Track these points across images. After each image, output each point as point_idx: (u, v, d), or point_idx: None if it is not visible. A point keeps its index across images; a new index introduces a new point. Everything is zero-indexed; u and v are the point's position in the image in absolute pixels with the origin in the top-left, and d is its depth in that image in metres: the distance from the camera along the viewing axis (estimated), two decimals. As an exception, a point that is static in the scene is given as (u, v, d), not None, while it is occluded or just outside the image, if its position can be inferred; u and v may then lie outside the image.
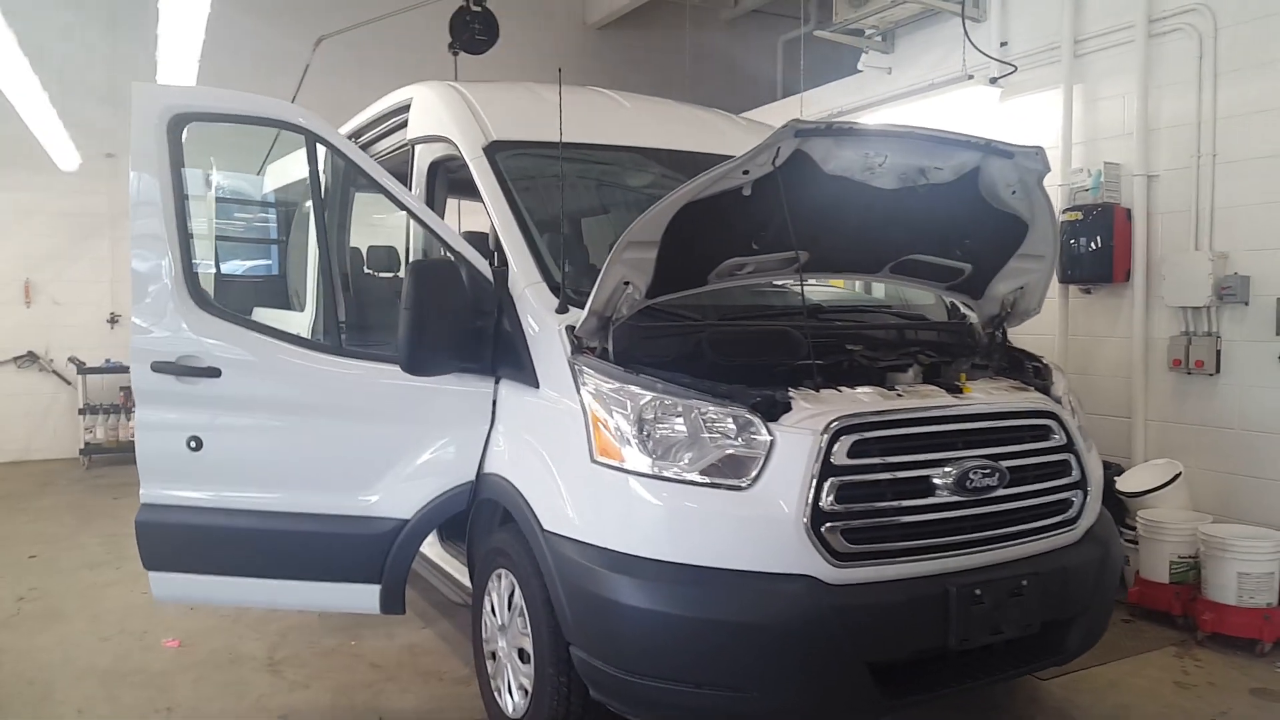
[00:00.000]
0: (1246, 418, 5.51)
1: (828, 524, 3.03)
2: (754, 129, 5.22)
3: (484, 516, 4.05)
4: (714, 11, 13.13)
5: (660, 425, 3.17)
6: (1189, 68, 5.73)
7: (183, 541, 4.04)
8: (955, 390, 3.52)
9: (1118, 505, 5.45)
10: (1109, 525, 3.88)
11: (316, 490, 3.96)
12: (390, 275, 5.11)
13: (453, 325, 3.61)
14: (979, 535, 3.30)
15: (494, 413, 3.79)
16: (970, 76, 6.92)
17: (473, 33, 8.11)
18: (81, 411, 10.42)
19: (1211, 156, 5.62)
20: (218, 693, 4.46)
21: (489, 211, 3.94)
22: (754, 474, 3.07)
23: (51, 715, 4.26)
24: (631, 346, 3.36)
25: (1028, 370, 3.96)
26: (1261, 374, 5.44)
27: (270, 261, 6.67)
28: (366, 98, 5.46)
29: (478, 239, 4.07)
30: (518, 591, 3.62)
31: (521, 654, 3.63)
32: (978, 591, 3.20)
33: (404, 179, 4.27)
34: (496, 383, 3.79)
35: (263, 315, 4.67)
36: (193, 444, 3.95)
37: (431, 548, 4.66)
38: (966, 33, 6.87)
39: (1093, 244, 6.04)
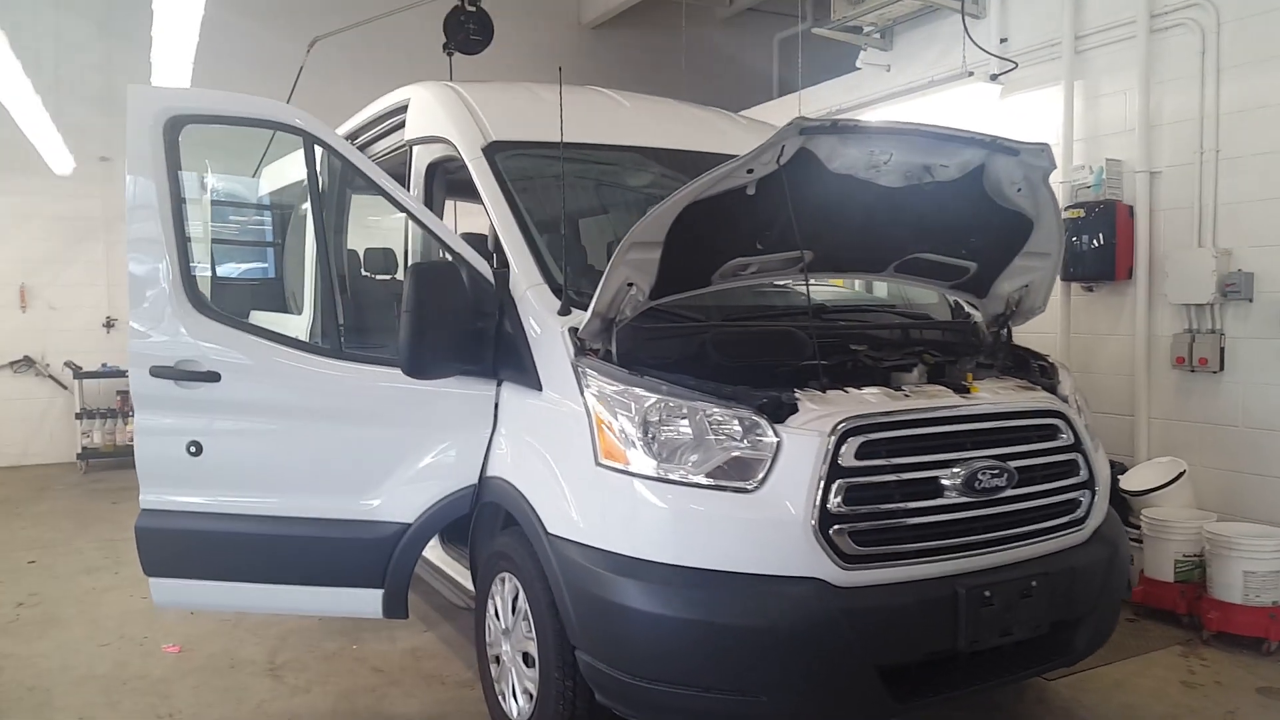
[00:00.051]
0: (1251, 415, 5.49)
1: (836, 526, 3.01)
2: (754, 128, 5.19)
3: (486, 520, 4.02)
4: (709, 10, 13.10)
5: (665, 427, 3.14)
6: (1191, 63, 5.71)
7: (183, 547, 4.01)
8: (963, 390, 3.50)
9: (1121, 504, 5.42)
10: (1116, 525, 3.86)
11: (318, 494, 3.93)
12: (388, 278, 5.08)
13: (454, 328, 3.57)
14: (988, 536, 3.27)
15: (496, 416, 3.76)
16: (970, 73, 6.90)
17: (468, 33, 8.05)
18: (78, 416, 10.39)
19: (1214, 152, 5.60)
20: (218, 698, 4.43)
21: (489, 213, 3.91)
22: (760, 476, 3.05)
23: (51, 723, 4.23)
24: (635, 348, 3.33)
25: (1034, 369, 3.94)
26: (1266, 371, 5.42)
27: (266, 264, 6.64)
28: (359, 100, 5.43)
29: (476, 241, 4.03)
30: (522, 595, 3.59)
31: (526, 658, 3.60)
32: (987, 593, 3.17)
33: (401, 180, 4.23)
34: (498, 385, 3.76)
35: (259, 319, 4.64)
36: (192, 449, 3.92)
37: (433, 551, 4.62)
38: (966, 29, 6.85)
39: (1095, 241, 6.02)
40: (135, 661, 4.87)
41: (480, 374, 3.74)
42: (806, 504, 2.99)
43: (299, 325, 4.72)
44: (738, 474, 3.06)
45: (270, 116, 3.93)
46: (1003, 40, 6.97)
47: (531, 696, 3.56)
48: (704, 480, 3.07)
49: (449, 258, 3.73)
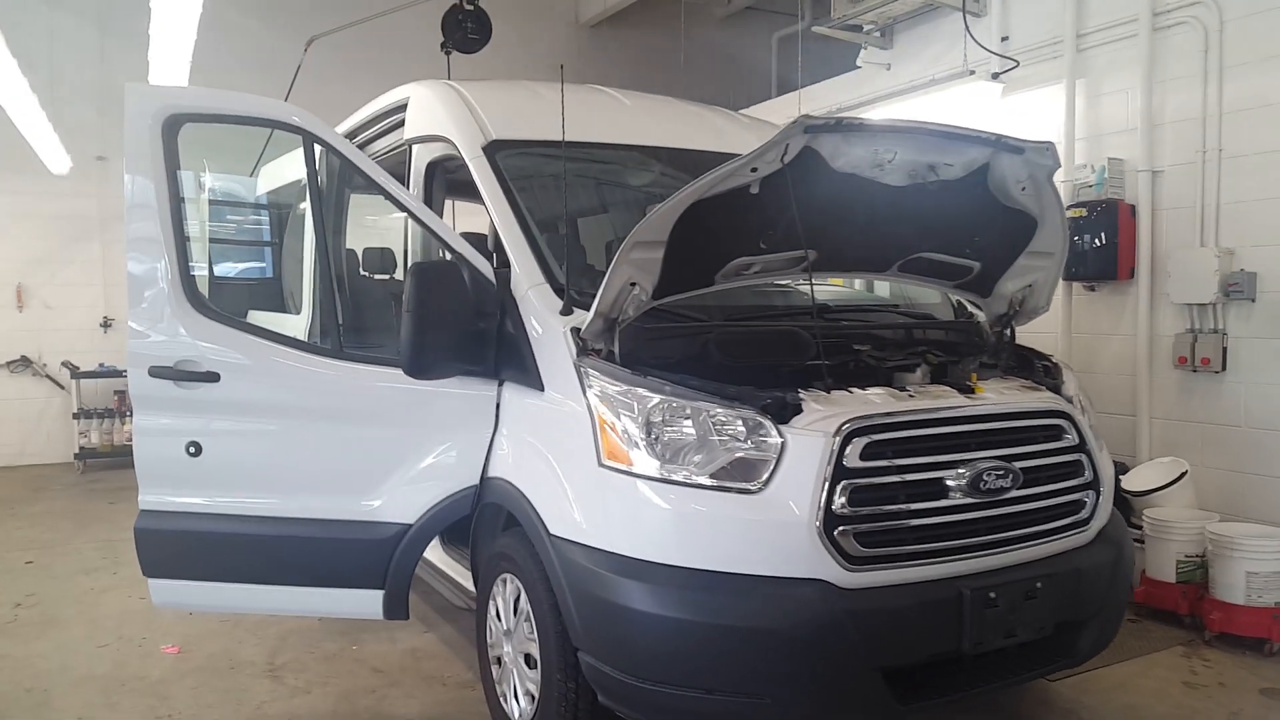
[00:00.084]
0: (1253, 415, 5.48)
1: (840, 527, 2.99)
2: (755, 127, 5.17)
3: (487, 521, 4.00)
4: (708, 9, 13.08)
5: (669, 428, 3.12)
6: (1194, 62, 5.70)
7: (183, 548, 3.99)
8: (968, 390, 3.48)
9: (1123, 504, 5.41)
10: (1120, 526, 3.85)
11: (318, 495, 3.90)
12: (385, 277, 5.05)
13: (455, 328, 3.55)
14: (993, 538, 3.26)
15: (497, 416, 3.74)
16: (971, 72, 6.88)
17: (465, 32, 8.04)
18: (75, 416, 10.35)
19: (1217, 151, 5.59)
20: (218, 699, 4.40)
21: (489, 212, 3.88)
22: (765, 477, 3.03)
23: (50, 725, 4.21)
24: (638, 348, 3.32)
25: (1037, 369, 3.93)
26: (1269, 371, 5.41)
27: (264, 264, 6.62)
28: (356, 100, 5.41)
29: (475, 240, 4.01)
30: (523, 596, 3.57)
31: (528, 659, 3.59)
32: (992, 594, 3.16)
33: (400, 180, 4.21)
34: (500, 386, 3.74)
35: (258, 318, 4.61)
36: (192, 449, 3.90)
37: (433, 551, 4.60)
38: (968, 27, 6.82)
39: (1096, 241, 6.00)
40: (134, 662, 4.84)
41: (482, 374, 3.72)
42: (811, 505, 2.97)
43: (297, 325, 4.70)
44: (742, 475, 3.05)
45: (270, 115, 3.90)
46: (1004, 39, 6.95)
47: (533, 698, 3.54)
48: (708, 481, 3.05)
49: (450, 257, 3.71)
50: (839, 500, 2.99)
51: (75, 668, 4.78)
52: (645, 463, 3.10)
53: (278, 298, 5.77)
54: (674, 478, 3.07)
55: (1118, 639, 3.89)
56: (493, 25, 8.17)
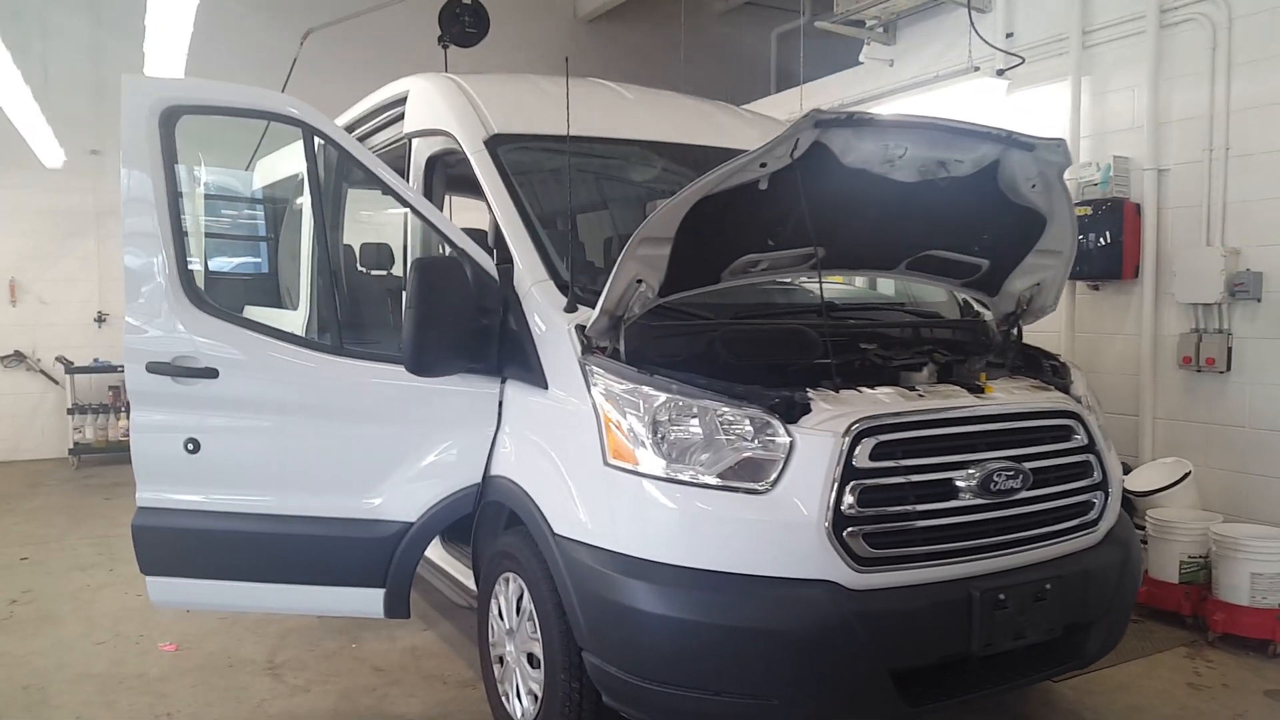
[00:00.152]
0: (1258, 416, 5.46)
1: (849, 528, 2.96)
2: (758, 122, 5.13)
3: (489, 519, 3.96)
4: (707, 4, 13.05)
5: (675, 427, 3.08)
6: (1202, 59, 5.66)
7: (181, 545, 3.95)
8: (977, 390, 3.45)
9: (1126, 504, 5.38)
10: (1128, 527, 3.83)
11: (319, 493, 3.86)
12: (383, 273, 5.01)
13: (458, 324, 3.51)
14: (1002, 539, 3.23)
15: (500, 414, 3.70)
16: (976, 68, 6.84)
17: (463, 25, 7.98)
18: (70, 411, 10.29)
19: (1224, 150, 5.56)
20: (217, 698, 4.36)
21: (491, 207, 3.84)
22: (773, 477, 2.99)
23: (47, 723, 4.17)
24: (644, 346, 3.28)
25: (1046, 369, 3.90)
26: (1274, 371, 5.39)
27: (260, 259, 6.56)
28: (354, 94, 5.36)
29: (475, 236, 3.96)
30: (526, 596, 3.53)
31: (530, 659, 3.55)
32: (1001, 596, 3.13)
33: (400, 174, 4.16)
34: (502, 383, 3.70)
35: (254, 314, 4.56)
36: (190, 446, 3.85)
37: (434, 549, 4.55)
38: (972, 23, 6.77)
39: (1101, 239, 5.97)
40: (132, 660, 4.80)
41: (484, 371, 3.68)
42: (820, 505, 2.94)
43: (294, 320, 4.65)
44: (749, 475, 3.01)
45: (270, 108, 3.86)
46: (1009, 35, 6.91)
47: (536, 698, 3.51)
48: (715, 481, 3.02)
49: (452, 253, 3.66)
50: (848, 501, 2.96)
51: (72, 665, 4.73)
52: (651, 462, 3.06)
53: (273, 293, 5.71)
54: (680, 477, 3.03)
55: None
56: (490, 20, 8.12)
